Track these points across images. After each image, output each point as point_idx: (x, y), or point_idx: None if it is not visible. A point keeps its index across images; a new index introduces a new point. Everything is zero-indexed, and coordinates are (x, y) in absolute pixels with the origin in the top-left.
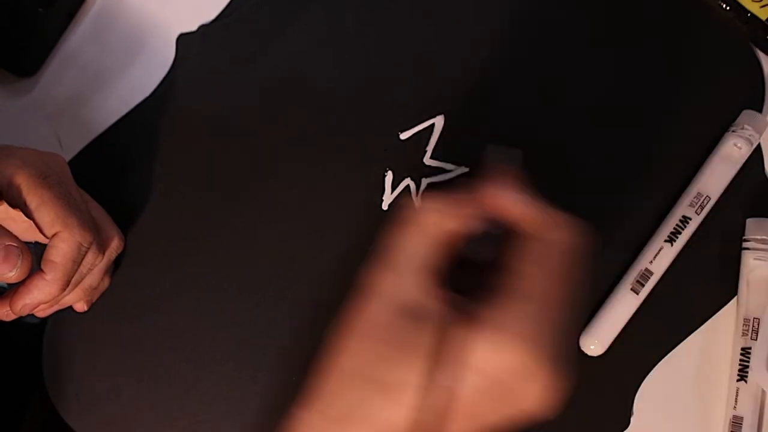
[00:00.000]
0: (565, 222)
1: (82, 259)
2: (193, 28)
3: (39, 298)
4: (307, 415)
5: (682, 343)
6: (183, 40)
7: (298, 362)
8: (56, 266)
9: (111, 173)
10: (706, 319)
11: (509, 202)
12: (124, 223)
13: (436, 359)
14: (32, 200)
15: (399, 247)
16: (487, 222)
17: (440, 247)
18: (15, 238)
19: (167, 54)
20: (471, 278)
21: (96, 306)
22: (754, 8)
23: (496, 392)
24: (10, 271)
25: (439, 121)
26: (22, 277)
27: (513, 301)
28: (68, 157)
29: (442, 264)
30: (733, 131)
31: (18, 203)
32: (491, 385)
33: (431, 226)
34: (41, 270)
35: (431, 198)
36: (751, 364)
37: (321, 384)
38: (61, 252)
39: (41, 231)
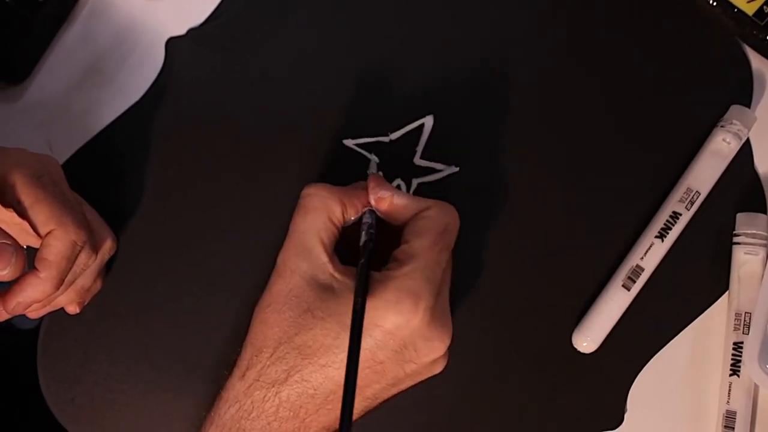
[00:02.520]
0: (436, 203)
1: (76, 257)
2: (182, 31)
3: (32, 296)
4: (241, 384)
5: (674, 339)
6: (172, 43)
7: None
8: (50, 264)
9: (102, 178)
10: (698, 315)
11: (384, 194)
12: (116, 227)
13: (346, 321)
14: (26, 199)
15: (296, 228)
16: (365, 210)
17: (330, 226)
18: (9, 236)
19: (157, 58)
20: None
21: (89, 309)
22: (740, 3)
23: (401, 350)
24: (4, 270)
25: (428, 121)
26: (16, 276)
27: (403, 264)
28: (59, 162)
29: (335, 241)
30: (721, 126)
31: (12, 202)
32: (398, 344)
33: (319, 207)
34: (35, 268)
35: (316, 186)
36: (744, 358)
37: (251, 355)
38: (54, 250)
39: (35, 230)
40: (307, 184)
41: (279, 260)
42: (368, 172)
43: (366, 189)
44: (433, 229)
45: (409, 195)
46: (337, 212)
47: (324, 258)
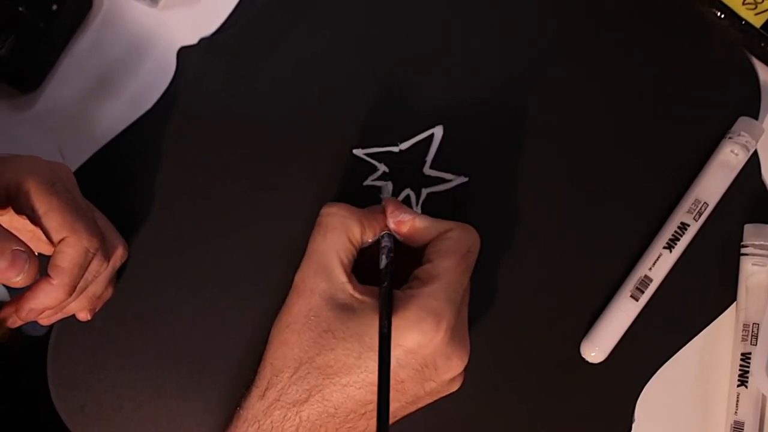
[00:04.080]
0: (458, 225)
1: (88, 265)
2: (194, 41)
3: (45, 302)
4: (261, 403)
5: (682, 349)
6: (184, 53)
7: None
8: (63, 271)
9: (113, 186)
10: (706, 325)
11: (405, 217)
12: (127, 234)
13: (368, 341)
14: (40, 206)
15: (315, 247)
16: (383, 234)
17: (349, 246)
18: (22, 242)
19: (168, 67)
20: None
21: (99, 316)
22: (748, 16)
23: (422, 368)
24: (17, 276)
25: (438, 131)
26: (29, 282)
27: (426, 284)
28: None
29: (353, 261)
30: (729, 138)
31: (25, 210)
32: (419, 363)
33: (338, 226)
34: (48, 275)
35: (336, 206)
36: (752, 369)
37: (271, 375)
38: (68, 257)
39: (48, 237)
40: (327, 203)
41: (297, 279)
42: (382, 196)
43: (383, 213)
44: (456, 250)
45: (429, 217)
46: (356, 232)
47: (343, 278)
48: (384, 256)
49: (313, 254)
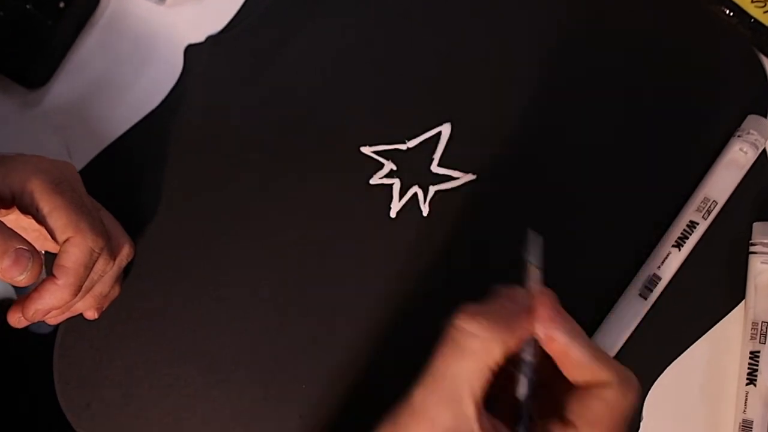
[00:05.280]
0: (617, 376)
1: (94, 264)
2: (201, 39)
3: (51, 303)
4: None
5: (690, 348)
6: (191, 50)
7: (307, 370)
8: (68, 271)
9: (120, 183)
10: (715, 324)
11: (559, 340)
12: (133, 232)
13: None
14: (45, 206)
15: (446, 370)
16: (528, 340)
17: (487, 374)
18: (25, 241)
19: (175, 65)
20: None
21: (106, 314)
22: (757, 14)
23: None
24: (20, 275)
25: (446, 129)
26: (32, 281)
27: None
28: (78, 168)
29: (488, 388)
30: (738, 136)
31: (30, 209)
32: None
33: (477, 351)
34: (53, 275)
35: (475, 319)
36: (760, 367)
37: None
38: (72, 257)
39: (53, 236)
40: (463, 313)
41: (417, 399)
42: (528, 279)
43: (530, 312)
44: (608, 420)
45: (587, 348)
46: (497, 357)
47: (471, 411)
48: (522, 376)
49: (441, 377)
